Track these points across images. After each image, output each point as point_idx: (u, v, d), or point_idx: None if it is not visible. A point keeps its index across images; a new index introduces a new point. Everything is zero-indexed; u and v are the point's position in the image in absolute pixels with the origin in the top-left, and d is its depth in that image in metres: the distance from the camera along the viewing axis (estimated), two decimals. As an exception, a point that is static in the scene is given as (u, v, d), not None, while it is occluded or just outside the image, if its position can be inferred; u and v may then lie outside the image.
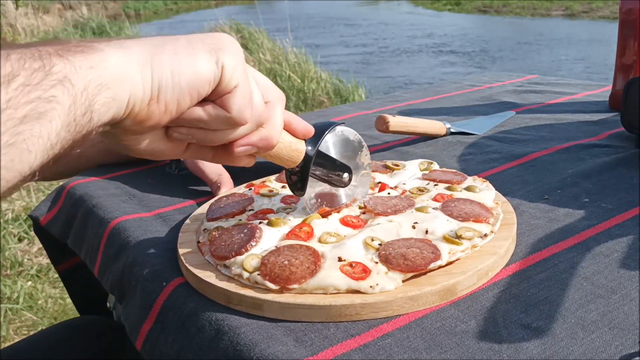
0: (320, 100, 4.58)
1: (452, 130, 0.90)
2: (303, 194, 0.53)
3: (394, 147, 0.86)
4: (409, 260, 0.47)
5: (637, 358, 0.39)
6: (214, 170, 0.71)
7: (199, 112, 0.40)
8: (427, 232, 0.51)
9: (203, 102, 0.40)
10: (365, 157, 0.57)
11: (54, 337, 0.79)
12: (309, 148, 0.50)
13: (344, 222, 0.54)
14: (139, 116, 0.37)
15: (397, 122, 0.82)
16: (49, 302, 1.98)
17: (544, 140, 0.83)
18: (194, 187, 0.74)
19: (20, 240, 2.38)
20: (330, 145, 0.53)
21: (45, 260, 2.20)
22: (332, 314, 0.44)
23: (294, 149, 0.49)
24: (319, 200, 0.55)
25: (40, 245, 1.25)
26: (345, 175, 0.55)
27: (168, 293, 0.51)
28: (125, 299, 0.57)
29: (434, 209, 0.55)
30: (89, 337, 0.79)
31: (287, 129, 0.49)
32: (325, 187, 0.55)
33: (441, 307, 0.45)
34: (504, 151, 0.79)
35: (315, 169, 0.52)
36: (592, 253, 0.52)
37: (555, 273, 0.49)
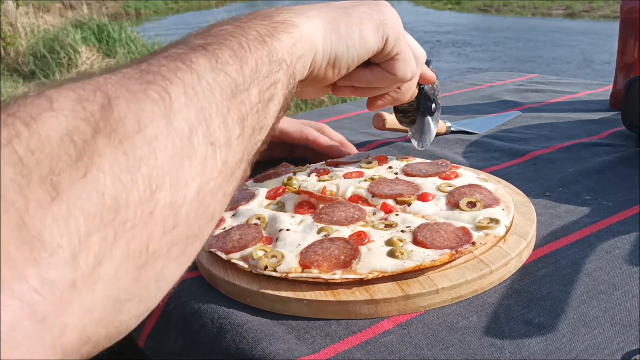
0: (321, 99, 4.58)
1: (452, 128, 0.90)
2: (414, 123, 0.67)
3: (394, 142, 0.86)
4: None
5: (639, 355, 0.39)
6: None
7: (368, 75, 0.50)
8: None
9: (369, 65, 0.50)
10: (439, 91, 0.69)
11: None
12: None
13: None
14: (317, 76, 0.45)
15: (394, 120, 0.82)
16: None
17: (545, 139, 0.84)
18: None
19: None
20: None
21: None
22: (349, 310, 0.44)
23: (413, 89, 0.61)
24: (420, 133, 0.69)
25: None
26: (433, 105, 0.67)
27: (171, 291, 0.51)
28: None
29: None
30: None
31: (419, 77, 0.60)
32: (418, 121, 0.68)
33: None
34: (505, 149, 0.80)
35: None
36: (594, 249, 0.52)
37: (557, 269, 0.49)
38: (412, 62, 0.52)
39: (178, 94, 0.28)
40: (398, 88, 0.55)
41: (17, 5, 7.51)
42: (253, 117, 0.33)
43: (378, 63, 0.50)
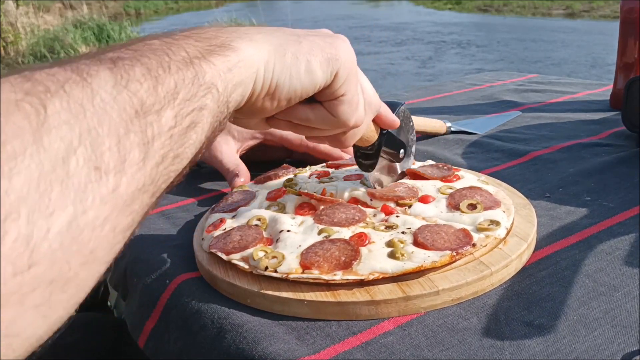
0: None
1: (452, 129, 0.90)
2: (373, 170, 0.58)
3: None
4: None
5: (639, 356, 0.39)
6: (231, 160, 0.71)
7: (309, 113, 0.45)
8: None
9: (311, 102, 0.44)
10: (413, 134, 0.63)
11: (53, 334, 0.79)
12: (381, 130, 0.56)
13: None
14: (254, 107, 0.41)
15: None
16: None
17: (545, 139, 0.84)
18: (196, 185, 0.74)
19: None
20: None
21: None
22: (348, 311, 0.44)
23: (370, 131, 0.54)
24: (378, 176, 0.60)
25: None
26: (402, 151, 0.61)
27: (171, 291, 0.51)
28: (128, 296, 0.57)
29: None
30: (89, 334, 0.79)
31: (376, 119, 0.54)
32: (382, 163, 0.60)
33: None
34: (505, 150, 0.80)
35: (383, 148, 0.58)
36: (594, 251, 0.52)
37: (557, 270, 0.49)
38: (360, 107, 0.46)
39: (58, 109, 0.24)
40: (342, 133, 0.48)
41: (17, 5, 7.52)
42: (164, 143, 0.29)
43: (322, 101, 0.45)
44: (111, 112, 0.26)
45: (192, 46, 0.34)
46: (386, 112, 0.54)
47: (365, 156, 0.57)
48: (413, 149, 0.63)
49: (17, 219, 0.21)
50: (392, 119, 0.55)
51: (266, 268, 0.47)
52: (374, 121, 0.54)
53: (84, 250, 0.24)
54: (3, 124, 0.22)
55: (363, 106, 0.47)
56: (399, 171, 0.62)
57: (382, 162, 0.58)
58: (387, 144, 0.57)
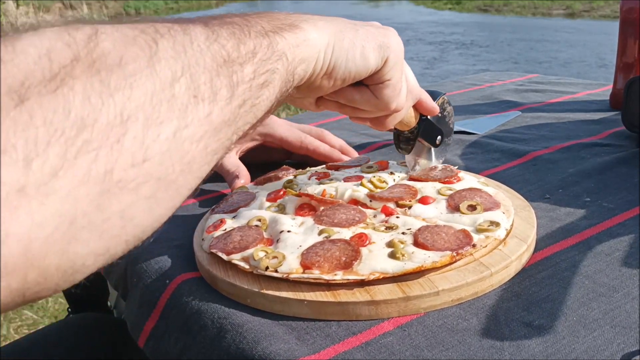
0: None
1: (453, 129, 0.90)
2: (409, 153, 0.63)
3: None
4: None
5: (639, 357, 0.39)
6: (232, 162, 0.71)
7: (355, 94, 0.49)
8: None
9: (359, 85, 0.48)
10: (452, 128, 0.66)
11: (54, 334, 0.79)
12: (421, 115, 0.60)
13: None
14: (313, 84, 0.44)
15: None
16: (50, 300, 1.99)
17: (545, 139, 0.84)
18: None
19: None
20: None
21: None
22: (348, 311, 0.45)
23: (410, 117, 0.58)
24: (416, 159, 0.65)
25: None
26: (439, 137, 0.64)
27: (171, 291, 0.51)
28: (128, 296, 0.57)
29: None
30: (89, 334, 0.79)
31: (417, 105, 0.58)
32: (420, 147, 0.64)
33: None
34: (505, 150, 0.80)
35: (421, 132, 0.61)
36: (593, 252, 0.52)
37: (557, 271, 0.49)
38: (402, 93, 0.50)
39: (166, 46, 0.29)
40: (385, 116, 0.52)
41: (17, 5, 7.52)
42: (245, 90, 0.34)
43: (368, 85, 0.49)
44: (205, 56, 0.31)
45: (267, 23, 0.38)
46: (427, 99, 0.58)
47: (405, 139, 0.62)
48: (450, 138, 0.67)
49: (136, 122, 0.26)
50: (432, 106, 0.59)
51: (267, 268, 0.47)
52: (415, 107, 0.58)
53: (184, 159, 0.29)
54: (124, 51, 0.27)
55: (405, 92, 0.51)
56: (434, 157, 0.66)
57: (419, 146, 0.63)
58: (426, 130, 0.61)
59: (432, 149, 0.65)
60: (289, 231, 0.51)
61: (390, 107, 0.50)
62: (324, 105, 0.51)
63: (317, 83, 0.45)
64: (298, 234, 0.51)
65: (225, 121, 0.32)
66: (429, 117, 0.61)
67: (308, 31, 0.41)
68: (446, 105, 0.64)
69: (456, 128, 0.90)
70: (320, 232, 0.51)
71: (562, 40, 8.08)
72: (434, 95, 0.60)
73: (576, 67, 6.23)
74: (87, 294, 0.93)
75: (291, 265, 0.47)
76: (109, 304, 0.90)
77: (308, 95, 0.48)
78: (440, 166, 0.65)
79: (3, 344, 1.60)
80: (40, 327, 0.89)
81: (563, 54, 7.09)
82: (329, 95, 0.49)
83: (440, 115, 0.62)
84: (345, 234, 0.51)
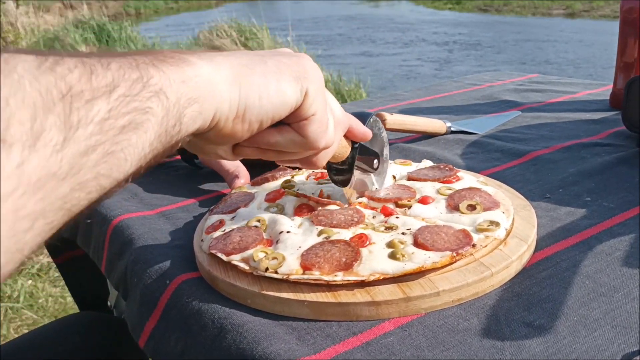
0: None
1: (452, 129, 0.90)
2: (347, 184, 0.55)
3: (395, 144, 0.86)
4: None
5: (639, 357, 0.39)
6: (231, 162, 0.71)
7: (278, 137, 0.42)
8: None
9: (278, 125, 0.42)
10: (387, 144, 0.60)
11: (51, 333, 0.79)
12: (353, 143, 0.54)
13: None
14: (223, 131, 0.38)
15: (395, 120, 0.82)
16: (50, 300, 1.98)
17: (545, 139, 0.84)
18: (196, 186, 0.74)
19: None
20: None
21: (46, 259, 2.21)
22: (349, 311, 0.45)
23: (342, 147, 0.52)
24: (354, 189, 0.58)
25: (43, 245, 1.26)
26: (375, 161, 0.58)
27: (171, 291, 0.51)
28: (128, 296, 0.57)
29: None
30: (87, 334, 0.79)
31: (347, 133, 0.51)
32: (357, 175, 0.58)
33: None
34: (506, 150, 0.80)
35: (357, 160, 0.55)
36: (594, 251, 0.52)
37: (558, 271, 0.49)
38: (330, 127, 0.45)
39: None
40: (314, 154, 0.46)
41: (17, 5, 7.52)
42: (92, 133, 0.27)
43: (290, 123, 0.43)
44: (29, 88, 0.25)
45: (143, 56, 0.32)
46: (357, 125, 0.52)
47: (339, 172, 0.55)
48: (387, 155, 0.61)
49: None
50: (364, 132, 0.53)
51: (266, 269, 0.47)
52: (345, 136, 0.52)
53: None
54: None
55: (332, 125, 0.45)
56: (375, 181, 0.60)
57: (356, 174, 0.56)
58: (361, 157, 0.55)
59: (372, 175, 0.59)
60: (288, 232, 0.51)
61: (319, 145, 0.44)
62: (243, 153, 0.44)
63: (229, 129, 0.38)
64: (297, 235, 0.51)
65: (55, 174, 0.25)
66: (357, 143, 0.54)
67: (199, 65, 0.35)
68: (377, 123, 0.57)
69: (456, 128, 0.90)
70: (320, 233, 0.51)
71: (570, 41, 8.03)
72: (363, 117, 0.54)
73: (587, 68, 6.17)
74: (88, 287, 0.94)
75: (291, 266, 0.47)
76: (109, 303, 0.90)
77: (221, 143, 0.41)
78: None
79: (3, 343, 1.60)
80: (40, 326, 0.89)
81: (570, 55, 7.06)
82: (245, 141, 0.42)
83: (372, 136, 0.56)
84: (345, 234, 0.51)
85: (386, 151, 0.60)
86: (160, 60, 0.33)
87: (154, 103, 0.31)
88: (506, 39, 8.57)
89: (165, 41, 6.66)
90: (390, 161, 0.68)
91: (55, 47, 6.35)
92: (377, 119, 0.57)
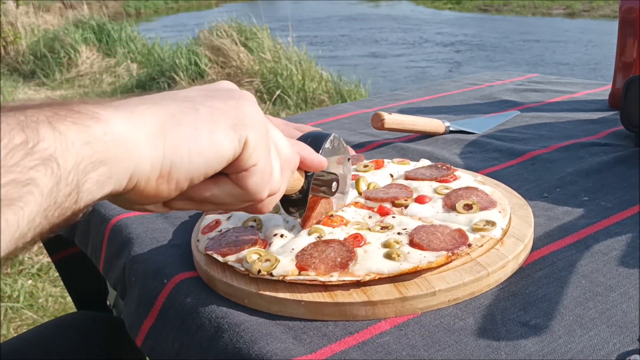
0: (321, 99, 4.58)
1: (451, 128, 0.90)
2: (303, 214, 0.51)
3: (393, 143, 0.86)
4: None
5: (635, 356, 0.39)
6: None
7: (214, 190, 0.37)
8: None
9: (215, 175, 0.37)
10: (348, 163, 0.55)
11: (47, 333, 0.79)
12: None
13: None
14: (146, 192, 0.34)
15: (393, 120, 0.82)
16: (50, 300, 1.99)
17: (543, 138, 0.84)
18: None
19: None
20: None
21: (45, 259, 2.21)
22: (345, 311, 0.45)
23: (294, 180, 0.47)
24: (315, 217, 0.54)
25: (41, 244, 1.26)
26: (334, 184, 0.52)
27: (169, 290, 0.51)
28: (126, 295, 0.57)
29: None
30: (84, 333, 0.79)
31: (300, 165, 0.46)
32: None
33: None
34: (504, 149, 0.80)
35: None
36: (590, 251, 0.52)
37: (554, 271, 0.49)
38: (275, 174, 0.39)
39: None
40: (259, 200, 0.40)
41: (17, 5, 7.52)
42: None
43: (228, 174, 0.37)
44: None
45: (42, 111, 0.27)
46: (309, 155, 0.47)
47: (294, 203, 0.50)
48: (349, 168, 0.56)
49: None
50: (318, 161, 0.47)
51: (259, 271, 0.47)
52: (298, 169, 0.47)
53: None
54: None
55: (278, 169, 0.40)
56: (334, 203, 0.55)
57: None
58: (316, 185, 0.51)
59: (331, 197, 0.54)
60: (282, 235, 0.52)
61: (261, 197, 0.39)
62: (175, 206, 0.38)
63: (152, 189, 0.33)
64: (290, 235, 0.52)
65: None
66: (311, 173, 0.49)
67: (111, 122, 0.30)
68: (335, 143, 0.51)
69: (455, 127, 0.90)
70: (310, 233, 0.51)
71: (579, 41, 7.94)
72: (318, 140, 0.49)
73: (599, 70, 6.05)
74: (85, 286, 0.94)
75: (286, 267, 0.47)
76: (108, 302, 0.90)
77: (146, 203, 0.36)
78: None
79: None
80: (37, 325, 0.89)
81: (579, 55, 6.99)
82: (177, 195, 0.36)
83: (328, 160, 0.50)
84: (339, 234, 0.51)
85: (345, 169, 0.55)
86: (60, 117, 0.28)
87: (38, 173, 0.26)
88: (512, 39, 8.51)
89: (165, 41, 6.64)
90: (388, 160, 0.68)
91: (55, 47, 6.34)
92: (337, 136, 0.52)
